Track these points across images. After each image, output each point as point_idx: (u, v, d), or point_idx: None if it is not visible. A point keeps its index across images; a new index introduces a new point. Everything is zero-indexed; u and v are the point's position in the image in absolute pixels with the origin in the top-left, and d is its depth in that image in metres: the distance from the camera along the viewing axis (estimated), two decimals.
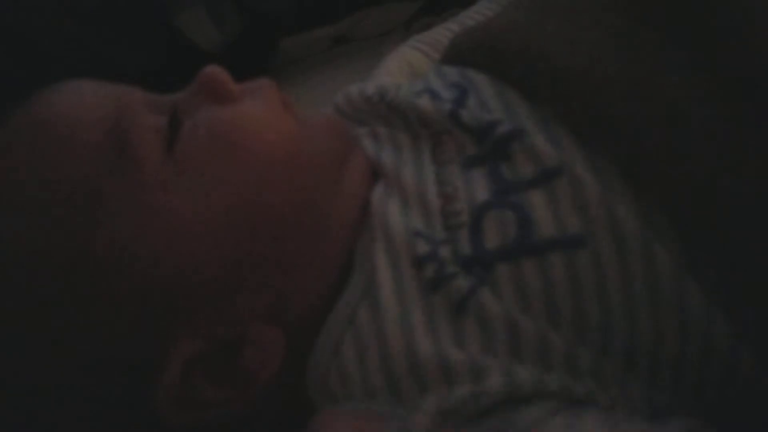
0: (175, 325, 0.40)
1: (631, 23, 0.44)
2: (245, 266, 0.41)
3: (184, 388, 0.40)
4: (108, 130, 0.42)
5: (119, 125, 0.42)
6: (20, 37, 0.65)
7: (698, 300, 0.39)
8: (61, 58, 0.66)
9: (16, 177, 0.41)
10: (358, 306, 0.41)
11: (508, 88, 0.45)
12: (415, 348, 0.39)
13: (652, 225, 0.39)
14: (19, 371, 0.41)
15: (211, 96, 0.44)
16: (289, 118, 0.46)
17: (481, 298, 0.39)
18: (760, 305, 0.39)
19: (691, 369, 0.39)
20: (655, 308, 0.39)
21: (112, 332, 0.40)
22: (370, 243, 0.43)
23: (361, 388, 0.40)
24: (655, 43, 0.43)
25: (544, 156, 0.41)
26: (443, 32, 0.63)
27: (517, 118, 0.43)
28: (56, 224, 0.40)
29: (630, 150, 0.41)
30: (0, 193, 0.42)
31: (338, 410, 0.40)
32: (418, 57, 0.60)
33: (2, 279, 0.41)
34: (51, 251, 0.40)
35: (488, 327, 0.39)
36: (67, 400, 0.41)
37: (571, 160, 0.41)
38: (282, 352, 0.41)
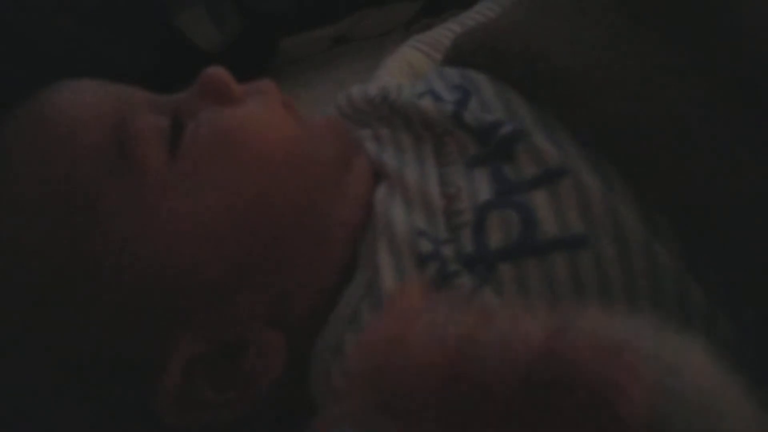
0: (176, 326, 0.40)
1: (632, 23, 0.44)
2: (246, 268, 0.41)
3: (184, 389, 0.40)
4: (109, 130, 0.42)
5: (120, 126, 0.42)
6: (20, 37, 0.65)
7: (699, 300, 0.39)
8: (61, 57, 0.66)
9: (17, 176, 0.42)
10: (361, 304, 0.41)
11: (508, 89, 0.45)
12: None
13: (653, 225, 0.39)
14: (20, 371, 0.41)
15: (214, 97, 0.44)
16: (290, 120, 0.46)
17: (484, 298, 0.39)
18: (760, 305, 0.39)
19: None
20: (657, 307, 0.39)
21: (112, 333, 0.40)
22: (372, 242, 0.43)
23: None
24: (656, 44, 0.43)
25: (546, 156, 0.41)
26: (443, 32, 0.63)
27: (518, 118, 0.44)
28: (56, 224, 0.40)
29: (630, 150, 0.41)
30: (2, 193, 0.42)
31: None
32: (418, 57, 0.60)
33: (2, 279, 0.41)
34: (51, 251, 0.40)
35: None
36: (68, 401, 0.41)
37: (573, 161, 0.41)
38: (283, 355, 0.41)
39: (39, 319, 0.40)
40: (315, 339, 0.42)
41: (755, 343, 0.39)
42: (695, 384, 0.25)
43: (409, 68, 0.59)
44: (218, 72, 0.45)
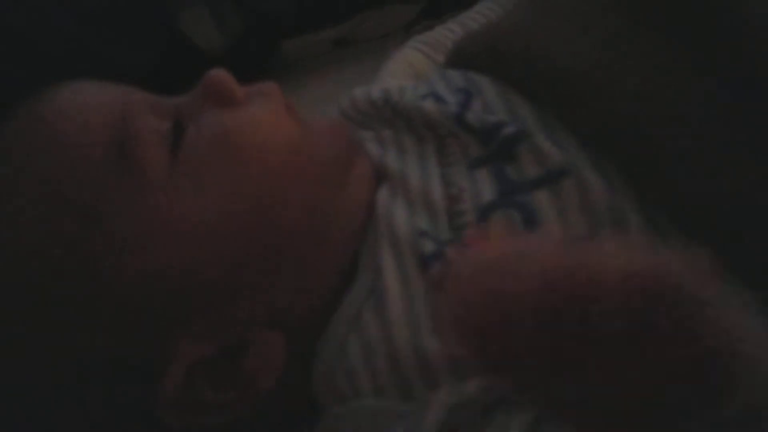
0: (176, 326, 0.40)
1: (632, 24, 0.44)
2: (248, 270, 0.41)
3: (185, 391, 0.40)
4: (111, 132, 0.42)
5: (122, 128, 0.42)
6: (21, 38, 0.65)
7: None
8: (62, 58, 0.66)
9: (18, 178, 0.42)
10: (364, 305, 0.41)
11: (510, 90, 0.45)
12: (422, 346, 0.39)
13: (655, 225, 0.40)
14: (20, 372, 0.41)
15: (216, 100, 0.44)
16: (292, 122, 0.46)
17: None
18: (762, 306, 0.39)
19: None
20: None
21: (112, 333, 0.40)
22: (375, 244, 0.43)
23: (369, 387, 0.40)
24: (656, 44, 0.43)
25: (549, 157, 0.42)
26: (444, 33, 0.63)
27: (521, 119, 0.44)
28: (56, 225, 0.40)
29: (630, 150, 0.41)
30: (3, 194, 0.42)
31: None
32: (420, 58, 0.61)
33: (2, 279, 0.41)
34: (51, 251, 0.40)
35: None
36: (68, 401, 0.41)
37: (575, 161, 0.41)
38: (283, 357, 0.41)
39: (39, 320, 0.40)
40: (316, 340, 0.42)
41: None
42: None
43: (411, 69, 0.59)
44: (221, 74, 0.45)
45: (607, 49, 0.44)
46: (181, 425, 0.40)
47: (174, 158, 0.42)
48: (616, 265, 0.29)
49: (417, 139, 0.47)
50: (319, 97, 0.65)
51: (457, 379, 0.38)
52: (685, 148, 0.40)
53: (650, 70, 0.42)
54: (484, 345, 0.30)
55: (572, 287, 0.28)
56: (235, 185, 0.42)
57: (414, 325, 0.40)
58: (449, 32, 0.62)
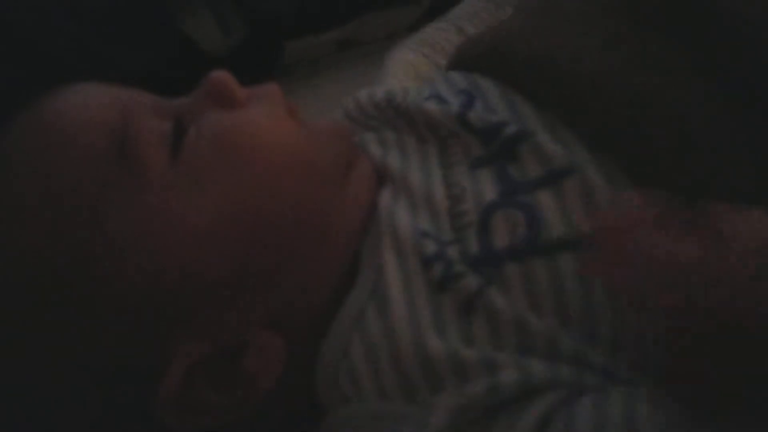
0: (176, 327, 0.40)
1: (633, 25, 0.44)
2: (248, 270, 0.41)
3: (185, 392, 0.40)
4: (112, 133, 0.42)
5: (123, 128, 0.42)
6: (24, 40, 0.65)
7: None
8: (66, 61, 0.66)
9: (19, 179, 0.42)
10: (366, 306, 0.41)
11: (514, 93, 0.45)
12: (426, 347, 0.39)
13: None
14: (20, 373, 0.41)
15: (217, 101, 0.45)
16: (293, 125, 0.46)
17: (490, 297, 0.39)
18: None
19: None
20: None
21: (112, 333, 0.40)
22: (377, 244, 0.43)
23: (373, 389, 0.40)
24: (656, 45, 0.43)
25: (552, 156, 0.42)
26: (435, 32, 0.63)
27: (523, 120, 0.44)
28: (57, 225, 0.40)
29: (632, 150, 0.41)
30: (4, 194, 0.42)
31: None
32: (419, 59, 0.61)
33: (2, 279, 0.41)
34: (51, 251, 0.40)
35: (497, 325, 0.39)
36: (68, 403, 0.41)
37: (580, 161, 0.41)
38: (283, 358, 0.41)
39: (39, 320, 0.40)
40: (318, 341, 0.42)
41: None
42: None
43: (412, 70, 0.60)
44: (222, 76, 0.45)
45: (609, 51, 0.44)
46: (181, 426, 0.40)
47: (174, 159, 0.42)
48: None
49: (419, 140, 0.47)
50: (323, 98, 0.65)
51: (460, 380, 0.38)
52: (685, 148, 0.40)
53: (651, 71, 0.43)
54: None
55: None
56: (235, 186, 0.42)
57: (416, 326, 0.40)
58: (441, 31, 0.63)
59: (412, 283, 0.41)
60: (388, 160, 0.46)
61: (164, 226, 0.40)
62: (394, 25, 0.78)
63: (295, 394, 0.42)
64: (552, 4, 0.49)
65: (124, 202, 0.40)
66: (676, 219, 0.34)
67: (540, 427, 0.36)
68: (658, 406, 0.35)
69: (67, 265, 0.40)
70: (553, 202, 0.41)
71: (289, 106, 0.47)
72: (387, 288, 0.41)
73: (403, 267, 0.41)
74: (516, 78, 0.46)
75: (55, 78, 0.45)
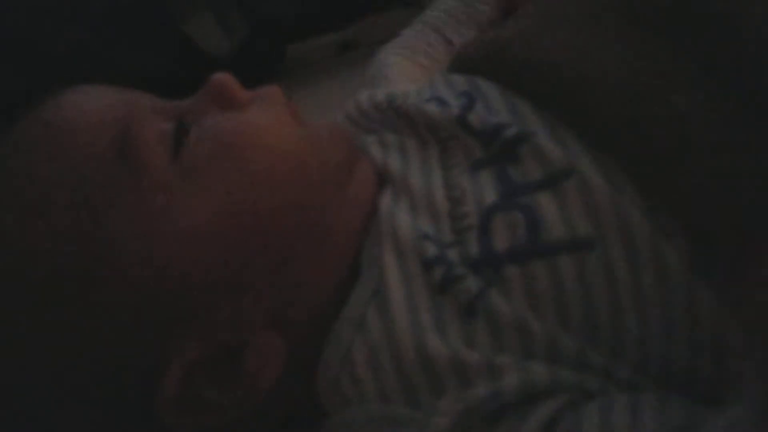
0: (176, 326, 0.40)
1: (633, 26, 0.44)
2: (247, 270, 0.41)
3: (185, 392, 0.40)
4: (115, 135, 0.42)
5: (125, 128, 0.42)
6: (29, 43, 0.66)
7: (708, 301, 0.39)
8: (70, 63, 0.66)
9: (21, 179, 0.42)
10: (367, 308, 0.41)
11: (515, 95, 0.45)
12: (427, 349, 0.39)
13: (661, 226, 0.39)
14: (20, 372, 0.41)
15: (219, 103, 0.45)
16: (294, 126, 0.46)
17: (491, 300, 0.39)
18: None
19: (702, 371, 0.39)
20: (665, 310, 0.39)
21: (112, 333, 0.40)
22: (378, 246, 0.43)
23: (374, 392, 0.40)
24: (656, 45, 0.43)
25: (552, 158, 0.42)
26: (414, 35, 0.64)
27: (524, 121, 0.44)
28: (58, 225, 0.40)
29: (633, 151, 0.41)
30: (5, 195, 0.42)
31: None
32: (403, 62, 0.62)
33: (3, 278, 0.41)
34: (52, 251, 0.40)
35: (498, 328, 0.39)
36: (68, 402, 0.41)
37: (580, 163, 0.41)
38: (283, 358, 0.41)
39: (39, 320, 0.40)
40: (318, 342, 0.42)
41: (765, 345, 0.39)
42: None
43: (409, 75, 0.60)
44: (224, 78, 0.46)
45: (609, 51, 0.44)
46: (181, 425, 0.40)
47: (175, 159, 0.42)
48: None
49: (420, 142, 0.47)
50: (325, 100, 0.66)
51: (462, 383, 0.38)
52: (685, 149, 0.40)
53: (651, 72, 0.43)
54: None
55: None
56: (236, 186, 0.42)
57: (417, 327, 0.40)
58: (419, 33, 0.64)
59: (413, 285, 0.41)
60: (389, 162, 0.46)
61: (165, 226, 0.40)
62: (396, 28, 0.78)
63: (295, 395, 0.43)
64: (552, 6, 0.49)
65: (125, 202, 0.41)
66: None
67: None
68: (664, 413, 0.35)
69: (68, 264, 0.40)
70: (553, 203, 0.41)
71: (290, 108, 0.47)
72: (388, 290, 0.41)
73: (403, 269, 0.41)
74: (516, 79, 0.46)
75: (58, 80, 0.46)
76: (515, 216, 0.41)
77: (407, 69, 0.61)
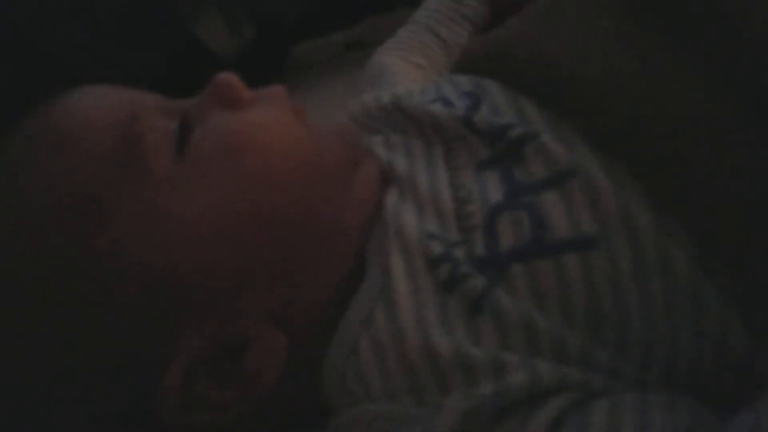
0: (178, 325, 0.40)
1: (634, 26, 0.45)
2: (251, 270, 0.41)
3: (186, 389, 0.40)
4: (119, 134, 0.42)
5: (129, 127, 0.42)
6: (35, 44, 0.66)
7: (713, 301, 0.39)
8: (77, 64, 0.66)
9: (25, 179, 0.42)
10: (374, 306, 0.41)
11: (520, 95, 0.45)
12: (434, 347, 0.39)
13: (665, 225, 0.39)
14: (20, 372, 0.41)
15: (223, 102, 0.45)
16: (299, 126, 0.46)
17: (496, 298, 0.39)
18: None
19: (706, 371, 0.39)
20: (670, 309, 0.39)
21: (114, 333, 0.40)
22: (384, 245, 0.43)
23: (381, 389, 0.40)
24: (657, 45, 0.43)
25: (557, 157, 0.42)
26: (409, 35, 0.65)
27: (530, 122, 0.44)
28: (61, 223, 0.40)
29: (635, 151, 0.41)
30: (8, 194, 0.42)
31: None
32: (398, 62, 0.62)
33: (7, 279, 0.41)
34: (54, 250, 0.40)
35: (504, 326, 0.39)
36: (68, 401, 0.41)
37: (585, 162, 0.41)
38: (283, 357, 0.41)
39: (40, 319, 0.40)
40: (321, 340, 0.42)
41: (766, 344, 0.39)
42: None
43: (410, 76, 0.60)
44: (229, 77, 0.46)
45: (610, 52, 0.44)
46: (182, 425, 0.40)
47: (180, 158, 0.42)
48: None
49: (425, 143, 0.47)
50: (331, 100, 0.65)
51: (468, 380, 0.38)
52: (685, 149, 0.40)
53: (652, 72, 0.43)
54: None
55: None
56: (239, 185, 0.42)
57: (424, 326, 0.40)
58: (413, 33, 0.65)
59: (419, 284, 0.41)
60: (395, 161, 0.46)
61: (168, 225, 0.41)
62: (400, 27, 0.78)
63: (298, 393, 0.43)
64: (554, 6, 0.49)
65: (129, 200, 0.41)
66: None
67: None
68: (673, 414, 0.35)
69: (69, 263, 0.40)
70: (558, 202, 0.41)
71: (295, 108, 0.47)
72: (394, 288, 0.41)
73: (409, 267, 0.41)
74: (520, 80, 0.46)
75: (63, 80, 0.46)
76: (520, 215, 0.41)
77: (404, 69, 0.61)
